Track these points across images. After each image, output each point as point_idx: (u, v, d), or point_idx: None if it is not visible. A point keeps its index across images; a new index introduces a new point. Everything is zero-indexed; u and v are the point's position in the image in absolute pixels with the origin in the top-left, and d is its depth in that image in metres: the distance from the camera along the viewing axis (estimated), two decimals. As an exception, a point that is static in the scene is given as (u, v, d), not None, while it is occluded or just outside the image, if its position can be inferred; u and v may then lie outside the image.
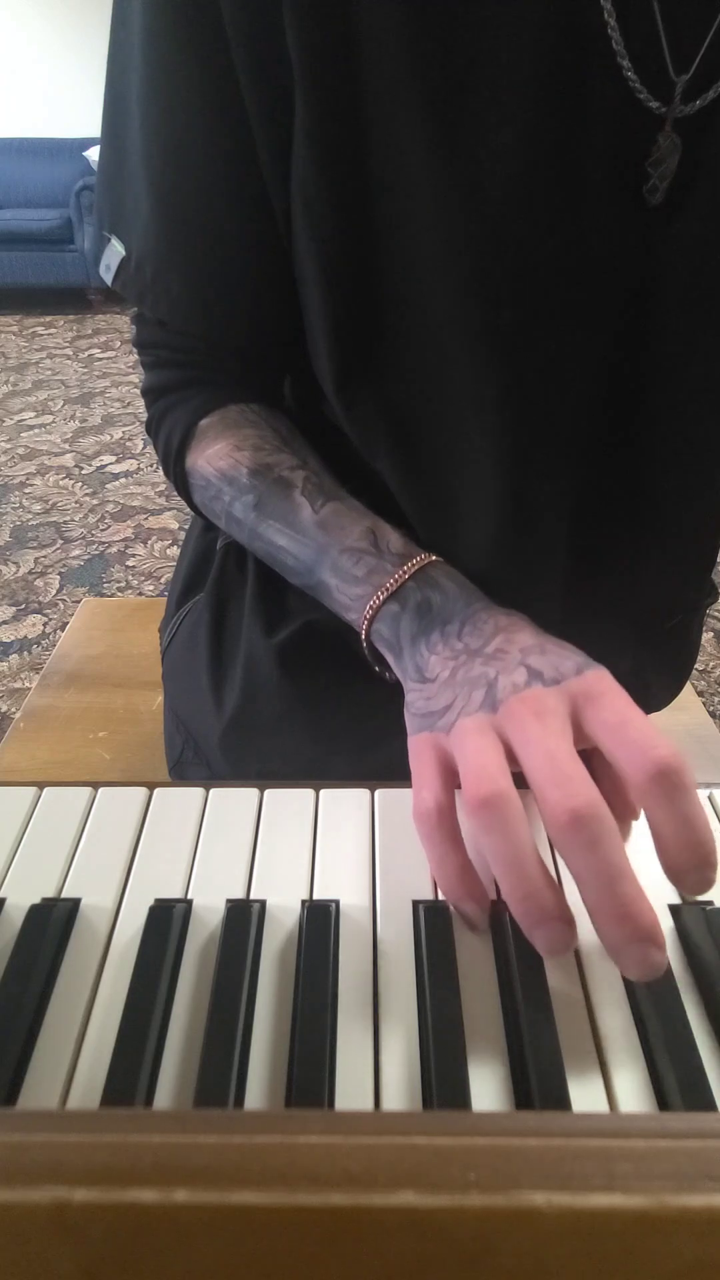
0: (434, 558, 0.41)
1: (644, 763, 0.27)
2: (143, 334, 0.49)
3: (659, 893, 0.31)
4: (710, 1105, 0.24)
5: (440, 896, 0.31)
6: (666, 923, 0.30)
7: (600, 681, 0.31)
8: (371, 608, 0.40)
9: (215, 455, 0.46)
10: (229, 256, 0.42)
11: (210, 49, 0.35)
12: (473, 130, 0.33)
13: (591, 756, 0.30)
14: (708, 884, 0.27)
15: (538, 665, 0.32)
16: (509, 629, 0.35)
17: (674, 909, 0.30)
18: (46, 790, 0.35)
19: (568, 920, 0.27)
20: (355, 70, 0.34)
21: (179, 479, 0.50)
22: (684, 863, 0.27)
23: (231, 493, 0.45)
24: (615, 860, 0.26)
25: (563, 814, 0.26)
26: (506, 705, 0.31)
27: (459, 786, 0.31)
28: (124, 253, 0.43)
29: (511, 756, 0.30)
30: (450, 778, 0.32)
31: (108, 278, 0.45)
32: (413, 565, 0.40)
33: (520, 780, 0.29)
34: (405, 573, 0.39)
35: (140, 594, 1.89)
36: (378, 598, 0.39)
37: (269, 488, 0.44)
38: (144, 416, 0.52)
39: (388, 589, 0.39)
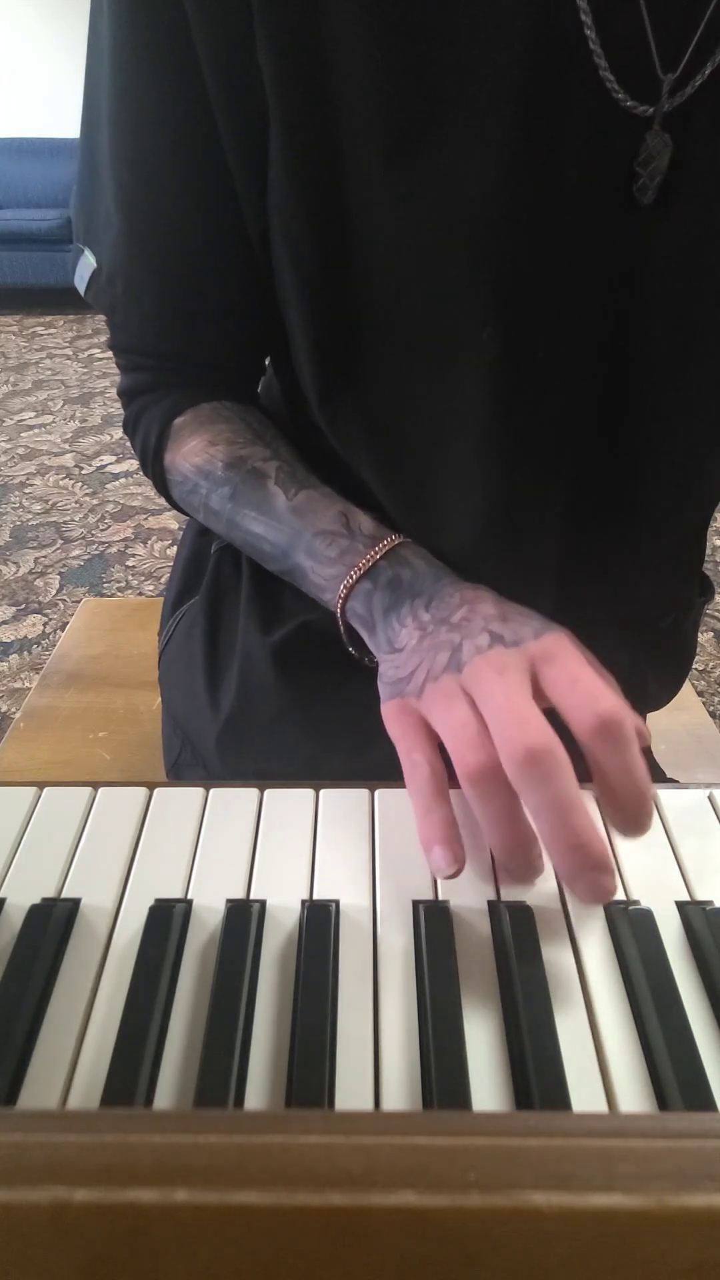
0: (404, 538, 0.42)
1: (589, 715, 0.29)
2: (117, 338, 0.49)
3: (665, 890, 0.31)
4: (710, 1105, 0.24)
5: (441, 896, 0.31)
6: (673, 922, 0.30)
7: (556, 644, 0.33)
8: (345, 586, 0.41)
9: (190, 451, 0.47)
10: (199, 273, 0.42)
11: (177, 67, 0.35)
12: (451, 143, 0.33)
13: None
14: (642, 829, 0.30)
15: (499, 630, 0.34)
16: (473, 601, 0.37)
17: (680, 906, 0.30)
18: (46, 790, 0.35)
19: (542, 866, 0.30)
20: (330, 90, 0.34)
21: (157, 477, 0.50)
22: (623, 807, 0.30)
23: (208, 486, 0.46)
24: (567, 794, 0.28)
25: (518, 751, 0.28)
26: (471, 665, 0.33)
27: (440, 745, 0.33)
28: (95, 265, 0.43)
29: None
30: (432, 738, 0.33)
31: (81, 288, 0.45)
32: (384, 545, 0.41)
33: None
34: (377, 552, 0.41)
35: (140, 594, 1.89)
36: (351, 576, 0.41)
37: (244, 478, 0.45)
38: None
39: (361, 568, 0.41)
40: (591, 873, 0.28)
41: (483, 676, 0.32)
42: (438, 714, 0.32)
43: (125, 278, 0.43)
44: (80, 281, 0.45)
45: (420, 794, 0.32)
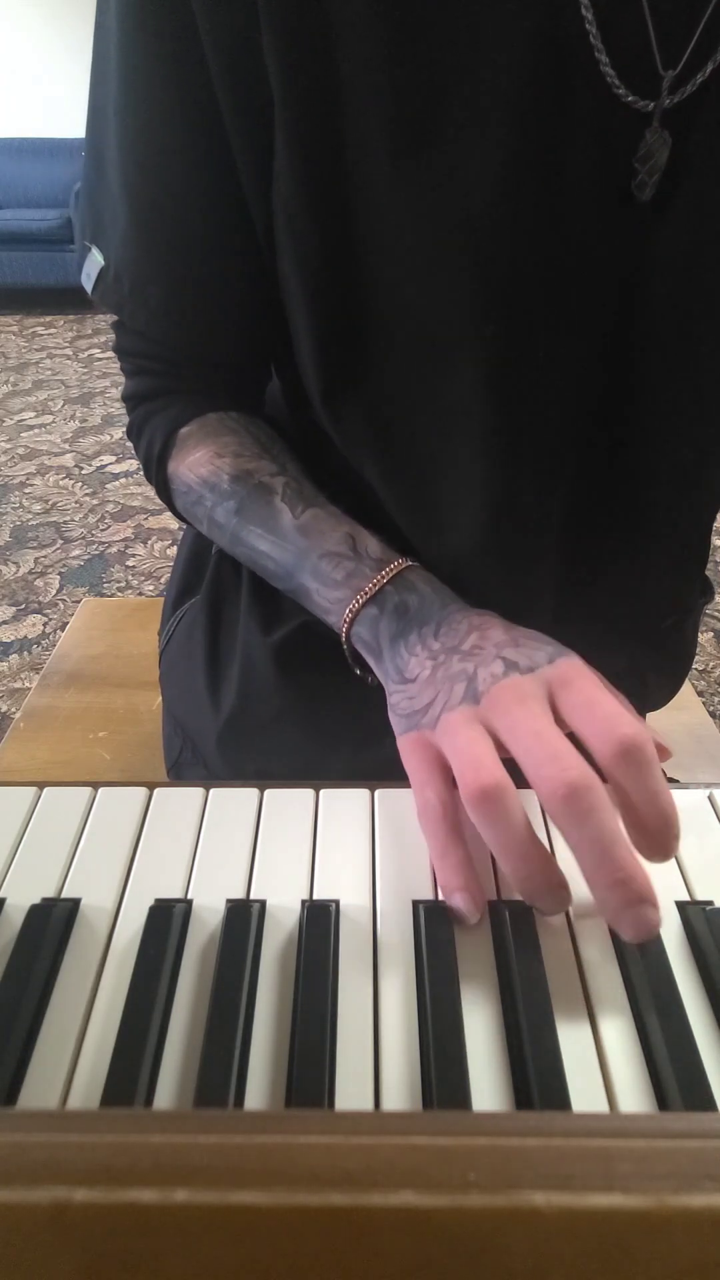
0: (411, 562, 0.42)
1: (609, 740, 0.29)
2: (122, 341, 0.49)
3: (665, 890, 0.31)
4: (710, 1105, 0.24)
5: (441, 896, 0.31)
6: (673, 922, 0.30)
7: (571, 668, 0.32)
8: (351, 611, 0.40)
9: (196, 462, 0.47)
10: (207, 269, 0.42)
11: (185, 63, 0.35)
12: (453, 140, 0.33)
13: None
14: (668, 853, 0.30)
15: (513, 656, 0.34)
16: (482, 627, 0.36)
17: (680, 906, 0.30)
18: (46, 790, 0.35)
19: (565, 886, 0.29)
20: (335, 86, 0.34)
21: (160, 485, 0.50)
22: (648, 832, 0.29)
23: (213, 498, 0.46)
24: (610, 827, 0.27)
25: (559, 788, 0.27)
26: (488, 695, 0.32)
27: (454, 779, 0.32)
28: (103, 263, 0.43)
29: (499, 744, 0.31)
30: (446, 772, 0.33)
31: (88, 286, 0.45)
32: (390, 570, 0.41)
33: (509, 766, 0.30)
34: (383, 577, 0.40)
35: (140, 594, 1.89)
36: (357, 601, 0.40)
37: (250, 493, 0.45)
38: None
39: (366, 593, 0.40)
40: (637, 907, 0.27)
41: (503, 706, 0.31)
42: (448, 741, 0.32)
43: (132, 275, 0.42)
44: (88, 280, 0.45)
45: (435, 834, 0.31)
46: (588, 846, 0.27)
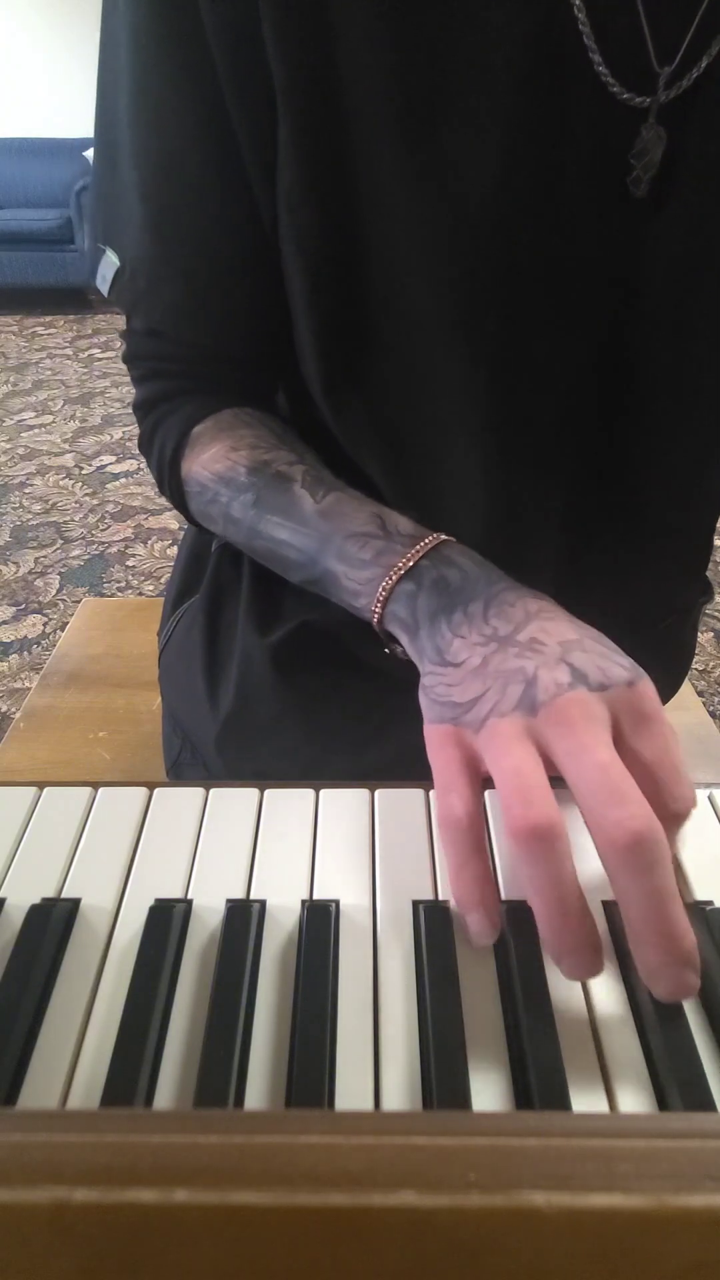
0: (446, 537, 0.38)
1: (663, 807, 0.28)
2: (133, 347, 0.48)
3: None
4: (710, 1105, 0.24)
5: (441, 896, 0.31)
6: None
7: (646, 699, 0.30)
8: (384, 589, 0.37)
9: (211, 459, 0.45)
10: (221, 264, 0.42)
11: (195, 58, 0.35)
12: (452, 138, 0.34)
13: None
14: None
15: (581, 665, 0.30)
16: (540, 615, 0.33)
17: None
18: (46, 790, 0.35)
19: (600, 949, 0.27)
20: (335, 81, 0.34)
21: (175, 491, 0.48)
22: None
23: (229, 494, 0.44)
24: (668, 883, 0.25)
25: (624, 836, 0.25)
26: (549, 709, 0.29)
27: (485, 783, 0.30)
28: (118, 263, 0.43)
29: (546, 760, 0.29)
30: (476, 778, 0.30)
31: (104, 288, 0.45)
32: (425, 544, 0.37)
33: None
34: (418, 551, 0.37)
35: (140, 594, 1.89)
36: (390, 578, 0.37)
37: (267, 483, 0.43)
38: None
39: (400, 569, 0.37)
40: (679, 968, 0.25)
41: (565, 727, 0.28)
42: (494, 754, 0.29)
43: (147, 272, 0.42)
44: (103, 282, 0.44)
45: (455, 844, 0.29)
46: (642, 899, 0.25)
